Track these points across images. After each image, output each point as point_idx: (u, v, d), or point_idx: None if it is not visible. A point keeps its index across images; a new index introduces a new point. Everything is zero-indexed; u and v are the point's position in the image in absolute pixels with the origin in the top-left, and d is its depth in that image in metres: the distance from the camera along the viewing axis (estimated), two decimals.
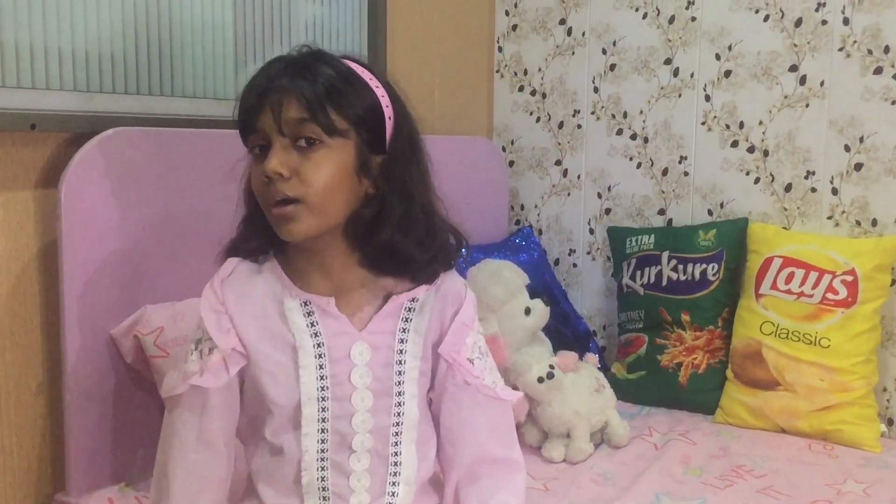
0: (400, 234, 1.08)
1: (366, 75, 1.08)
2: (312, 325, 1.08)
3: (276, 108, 1.01)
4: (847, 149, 2.04)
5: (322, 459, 1.08)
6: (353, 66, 1.08)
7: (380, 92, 1.08)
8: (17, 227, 1.45)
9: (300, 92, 1.01)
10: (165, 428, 1.12)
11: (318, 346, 1.07)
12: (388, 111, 1.08)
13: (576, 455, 1.76)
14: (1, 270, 1.43)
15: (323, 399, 1.07)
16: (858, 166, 2.03)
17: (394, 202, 1.08)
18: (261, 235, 1.10)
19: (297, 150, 1.02)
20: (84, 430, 1.47)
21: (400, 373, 1.11)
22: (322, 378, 1.07)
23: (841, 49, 2.03)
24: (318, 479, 1.08)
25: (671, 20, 2.25)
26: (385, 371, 1.10)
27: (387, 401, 1.10)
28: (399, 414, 1.11)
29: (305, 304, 1.09)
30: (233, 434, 1.13)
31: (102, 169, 1.45)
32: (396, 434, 1.11)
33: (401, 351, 1.11)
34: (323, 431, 1.07)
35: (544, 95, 2.49)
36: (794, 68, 2.09)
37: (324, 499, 1.09)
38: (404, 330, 1.12)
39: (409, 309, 1.13)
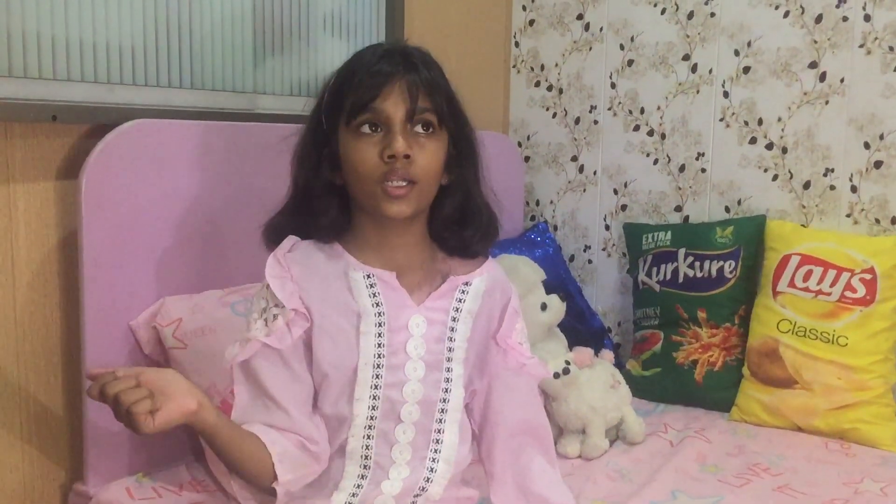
0: (469, 223, 1.17)
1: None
2: (374, 295, 1.13)
3: (411, 95, 1.07)
4: (867, 146, 2.03)
5: (370, 427, 1.13)
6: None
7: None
8: (38, 218, 1.46)
9: (426, 82, 1.08)
10: (235, 397, 1.13)
11: (379, 314, 1.12)
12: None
13: (591, 451, 1.76)
14: (21, 261, 1.44)
15: (378, 366, 1.12)
16: (878, 164, 2.01)
17: (465, 191, 1.16)
18: (328, 215, 1.14)
19: (413, 136, 1.08)
20: (102, 421, 1.47)
21: (450, 349, 1.17)
22: (380, 346, 1.12)
23: (861, 46, 2.01)
24: (362, 445, 1.13)
25: (690, 16, 2.24)
26: (437, 346, 1.16)
27: (436, 375, 1.16)
28: (447, 391, 1.17)
29: (368, 276, 1.14)
30: (303, 402, 1.13)
31: (123, 160, 1.45)
32: (442, 411, 1.17)
33: (452, 329, 1.17)
34: (374, 398, 1.12)
35: (561, 91, 2.48)
36: (813, 65, 2.08)
37: (364, 466, 1.14)
38: (457, 309, 1.18)
39: (464, 291, 1.19)
